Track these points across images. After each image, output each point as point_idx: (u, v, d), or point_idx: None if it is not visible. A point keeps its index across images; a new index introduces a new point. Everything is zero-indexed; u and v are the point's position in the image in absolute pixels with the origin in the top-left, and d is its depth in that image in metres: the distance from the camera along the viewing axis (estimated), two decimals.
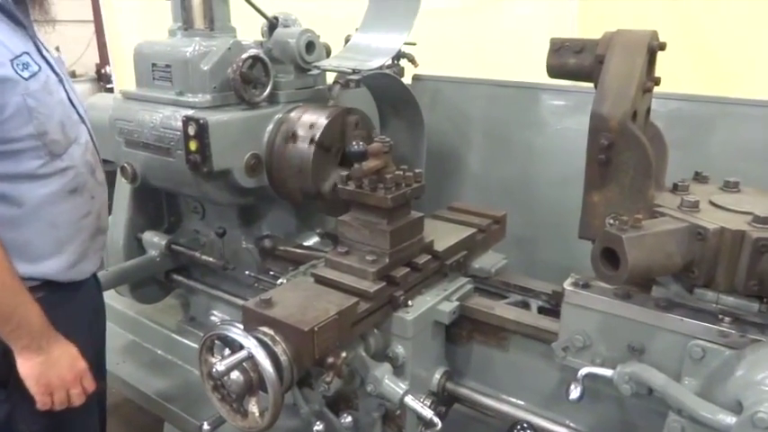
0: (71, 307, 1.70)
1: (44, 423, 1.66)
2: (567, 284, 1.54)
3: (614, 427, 1.60)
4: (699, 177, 1.63)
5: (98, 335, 1.92)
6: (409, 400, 1.57)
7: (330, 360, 1.42)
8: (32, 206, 1.58)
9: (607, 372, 1.44)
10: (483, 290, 1.93)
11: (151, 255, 2.49)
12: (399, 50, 2.66)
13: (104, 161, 2.31)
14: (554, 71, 1.62)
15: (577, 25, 2.87)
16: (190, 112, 1.99)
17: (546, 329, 1.64)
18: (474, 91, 2.81)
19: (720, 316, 1.33)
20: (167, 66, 2.10)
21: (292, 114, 2.12)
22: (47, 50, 1.66)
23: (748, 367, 1.22)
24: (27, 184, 1.56)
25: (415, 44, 2.64)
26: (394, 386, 1.58)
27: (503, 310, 1.77)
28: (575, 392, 1.47)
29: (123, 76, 2.17)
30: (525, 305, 1.88)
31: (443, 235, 1.88)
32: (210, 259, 2.35)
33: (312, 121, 2.06)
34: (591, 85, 1.54)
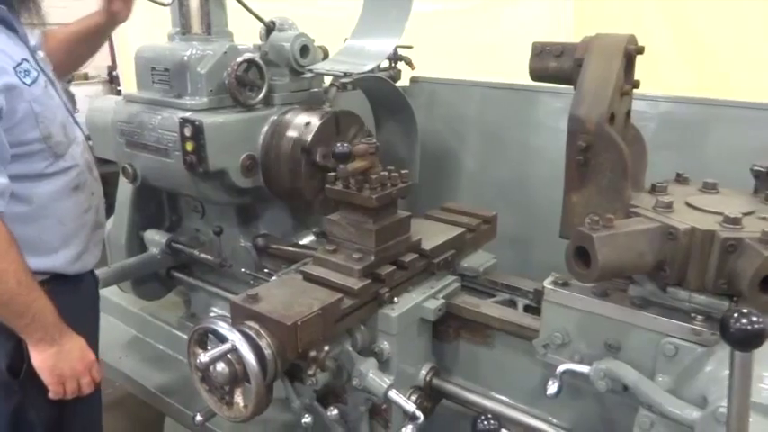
0: (75, 298, 1.81)
1: (53, 411, 1.75)
2: (546, 283, 1.58)
3: (594, 422, 1.63)
4: (680, 179, 1.65)
5: (96, 326, 2.00)
6: (393, 394, 1.62)
7: (313, 354, 1.47)
8: (41, 203, 1.68)
9: (584, 368, 1.47)
10: (471, 288, 1.97)
11: (152, 252, 2.55)
12: (397, 53, 2.71)
13: (107, 161, 2.40)
14: (536, 74, 1.66)
15: (573, 27, 2.90)
16: (187, 114, 2.05)
17: (529, 327, 1.67)
18: (470, 93, 2.85)
19: (693, 314, 1.35)
20: (166, 69, 2.16)
21: (287, 116, 2.18)
22: (36, 53, 1.72)
23: (716, 364, 1.25)
24: (36, 183, 1.66)
25: (411, 47, 2.69)
26: (378, 380, 1.63)
27: (488, 308, 1.81)
28: (552, 388, 1.50)
29: (131, 78, 2.24)
30: (512, 303, 1.92)
31: (433, 234, 1.92)
32: (208, 257, 2.41)
33: (305, 123, 2.11)
34: None
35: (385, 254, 1.71)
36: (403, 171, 1.75)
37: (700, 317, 1.35)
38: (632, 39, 1.50)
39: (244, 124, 2.13)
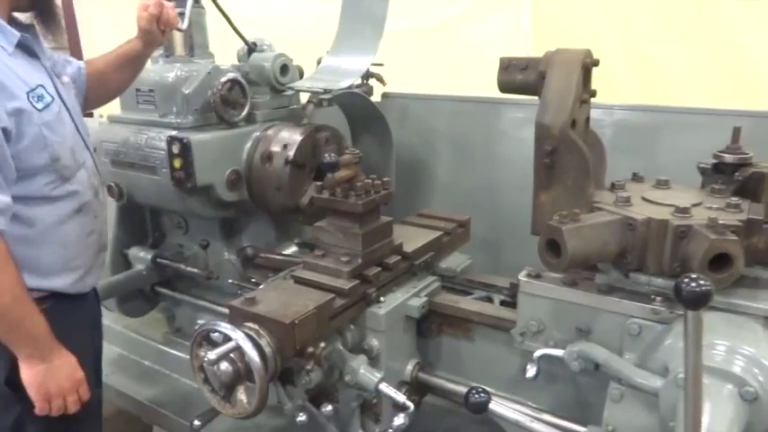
0: (76, 316, 1.82)
1: (52, 426, 1.73)
2: (521, 276, 1.72)
3: (570, 404, 1.77)
4: (636, 177, 1.83)
5: (98, 343, 2.03)
6: (383, 386, 1.72)
7: (310, 350, 1.58)
8: (43, 227, 1.69)
9: (559, 352, 1.62)
10: (450, 287, 2.10)
11: (138, 269, 2.60)
12: (368, 70, 2.84)
13: None
14: (504, 87, 1.81)
15: (532, 42, 3.10)
16: (173, 133, 2.14)
17: (506, 318, 1.81)
18: (439, 106, 3.01)
19: (653, 296, 1.51)
20: (151, 90, 2.25)
21: (269, 132, 2.29)
22: (57, 77, 1.77)
23: (674, 338, 1.40)
24: (39, 205, 1.67)
25: (382, 65, 2.83)
26: (369, 375, 1.73)
27: (467, 303, 1.94)
28: (531, 371, 1.64)
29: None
30: (489, 300, 2.06)
31: (412, 238, 2.05)
32: (195, 270, 2.47)
33: (286, 140, 2.22)
34: None
35: (371, 256, 1.83)
36: (385, 179, 1.87)
37: (659, 298, 1.50)
38: (588, 53, 1.67)
39: (228, 141, 2.23)
